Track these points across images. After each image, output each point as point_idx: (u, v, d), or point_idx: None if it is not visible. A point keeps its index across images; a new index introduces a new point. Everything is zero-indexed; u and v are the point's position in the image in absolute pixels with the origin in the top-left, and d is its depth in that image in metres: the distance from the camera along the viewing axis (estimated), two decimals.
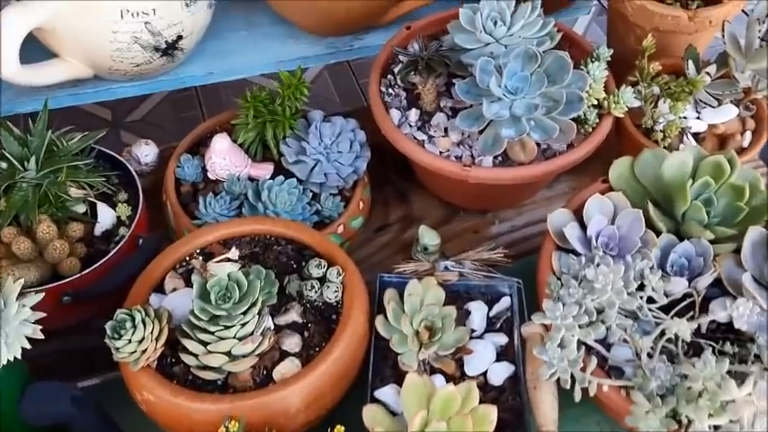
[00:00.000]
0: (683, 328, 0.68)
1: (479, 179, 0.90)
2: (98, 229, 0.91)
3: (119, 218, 0.92)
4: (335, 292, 0.75)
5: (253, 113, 0.95)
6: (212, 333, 0.67)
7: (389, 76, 1.02)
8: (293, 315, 0.75)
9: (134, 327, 0.68)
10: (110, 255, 0.86)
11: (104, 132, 0.94)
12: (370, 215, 1.03)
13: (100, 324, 0.70)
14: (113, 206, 0.93)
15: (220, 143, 0.96)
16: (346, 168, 0.95)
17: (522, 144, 0.89)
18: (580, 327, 0.68)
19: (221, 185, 0.96)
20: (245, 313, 0.68)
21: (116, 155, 0.97)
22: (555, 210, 0.80)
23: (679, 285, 0.73)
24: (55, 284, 0.82)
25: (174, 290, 0.77)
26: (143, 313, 0.69)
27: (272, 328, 0.74)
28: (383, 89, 1.01)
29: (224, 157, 0.96)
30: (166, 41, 1.08)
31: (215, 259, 0.77)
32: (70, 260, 0.84)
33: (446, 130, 0.95)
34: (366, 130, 0.99)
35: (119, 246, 0.87)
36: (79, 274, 0.84)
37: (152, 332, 0.68)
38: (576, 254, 0.77)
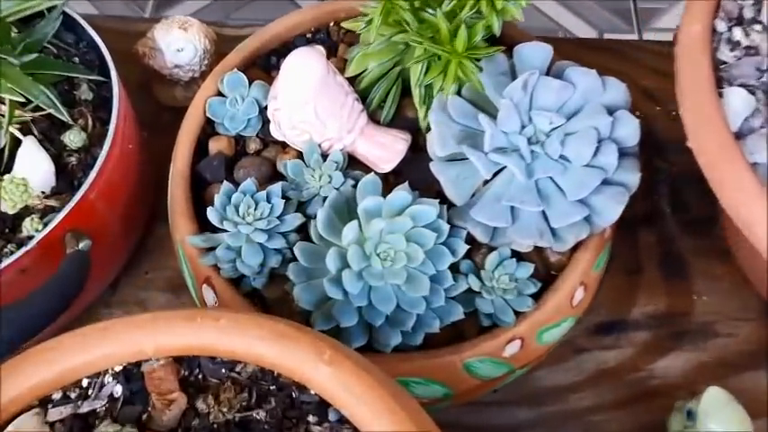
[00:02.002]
0: None
1: None
2: None
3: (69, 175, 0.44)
4: None
5: (381, 21, 0.39)
6: None
7: (741, 1, 0.41)
8: None
9: None
10: None
11: None
12: (594, 299, 0.45)
13: None
14: (59, 150, 0.45)
15: (303, 68, 0.42)
16: (569, 209, 0.38)
17: None
18: None
19: (287, 165, 0.43)
20: None
21: (100, 42, 0.47)
22: None
23: None
24: None
25: None
26: None
27: None
28: (720, 28, 0.40)
29: (307, 101, 0.42)
30: None
31: None
32: None
33: None
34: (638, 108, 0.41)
35: (15, 256, 0.39)
36: None
37: None
38: None
